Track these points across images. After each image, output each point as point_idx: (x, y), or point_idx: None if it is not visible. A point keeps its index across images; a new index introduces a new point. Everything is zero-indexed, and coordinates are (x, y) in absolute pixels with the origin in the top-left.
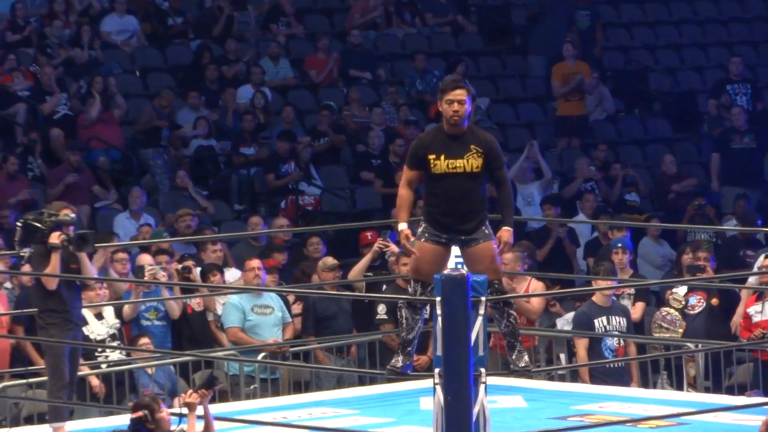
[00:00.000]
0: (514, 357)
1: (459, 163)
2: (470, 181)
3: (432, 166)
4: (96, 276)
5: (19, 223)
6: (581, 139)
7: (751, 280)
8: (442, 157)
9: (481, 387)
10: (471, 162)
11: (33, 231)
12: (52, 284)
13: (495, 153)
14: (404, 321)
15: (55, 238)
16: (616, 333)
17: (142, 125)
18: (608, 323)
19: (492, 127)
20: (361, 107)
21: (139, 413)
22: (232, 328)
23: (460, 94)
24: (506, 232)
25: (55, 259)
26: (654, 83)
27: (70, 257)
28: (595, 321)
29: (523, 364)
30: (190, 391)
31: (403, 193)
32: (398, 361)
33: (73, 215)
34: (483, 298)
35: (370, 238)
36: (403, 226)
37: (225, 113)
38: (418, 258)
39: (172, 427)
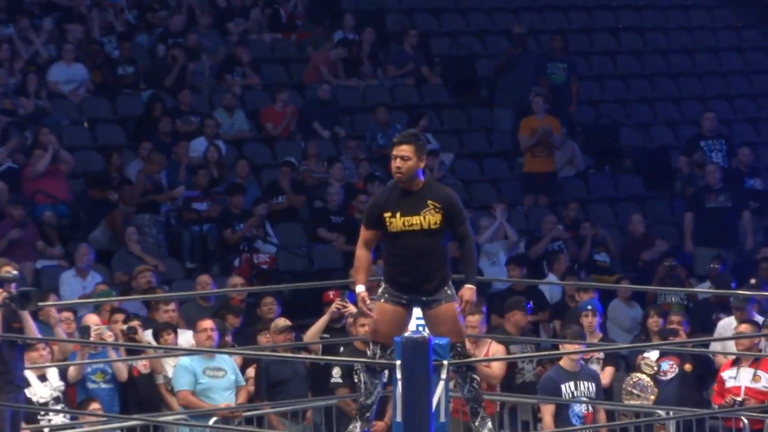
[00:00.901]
0: (477, 423)
1: (416, 220)
2: (429, 239)
3: (388, 224)
4: (39, 336)
5: None
6: (549, 197)
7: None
8: (398, 215)
9: None
10: (428, 218)
11: None
12: None
13: (455, 209)
14: (363, 385)
15: None
16: (584, 399)
17: (137, 192)
18: (576, 389)
19: (456, 183)
20: (319, 162)
21: None
22: (182, 391)
23: (404, 150)
24: (468, 291)
25: None
26: (625, 138)
27: (12, 316)
28: (562, 386)
29: (486, 431)
30: None
31: (360, 254)
32: (356, 427)
33: (15, 272)
34: (445, 362)
35: (332, 297)
36: (360, 289)
37: (177, 167)
38: (378, 320)
39: None
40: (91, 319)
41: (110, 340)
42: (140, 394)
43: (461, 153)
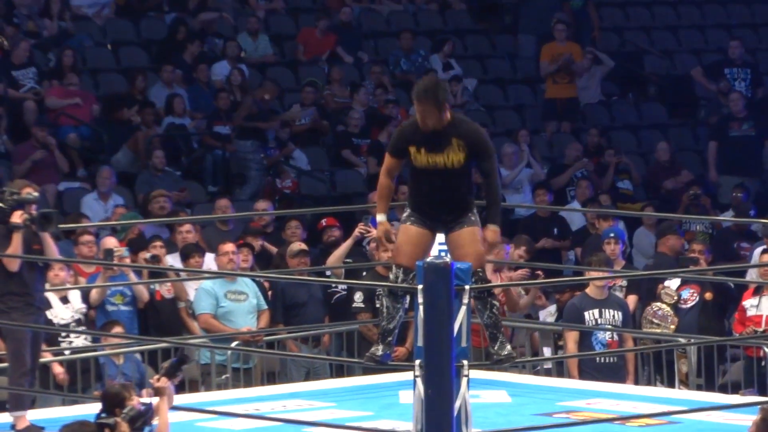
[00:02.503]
0: (496, 348)
1: (439, 159)
2: (452, 177)
3: (413, 158)
4: (59, 257)
5: None
6: (572, 123)
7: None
8: (423, 151)
9: (464, 380)
10: (452, 157)
11: None
12: (13, 266)
13: (480, 145)
14: (385, 310)
15: (16, 217)
16: (608, 327)
17: (241, 116)
18: (600, 316)
19: (479, 109)
20: (342, 87)
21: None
22: (203, 315)
23: (424, 109)
24: (492, 233)
25: (17, 239)
26: (649, 66)
27: (32, 237)
28: (586, 313)
29: (506, 352)
30: (159, 375)
31: (383, 181)
32: (378, 350)
33: (35, 194)
34: (467, 287)
35: (324, 224)
36: (381, 218)
37: (200, 90)
38: (401, 240)
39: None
40: (110, 242)
41: (129, 262)
42: (161, 318)
43: (485, 79)
